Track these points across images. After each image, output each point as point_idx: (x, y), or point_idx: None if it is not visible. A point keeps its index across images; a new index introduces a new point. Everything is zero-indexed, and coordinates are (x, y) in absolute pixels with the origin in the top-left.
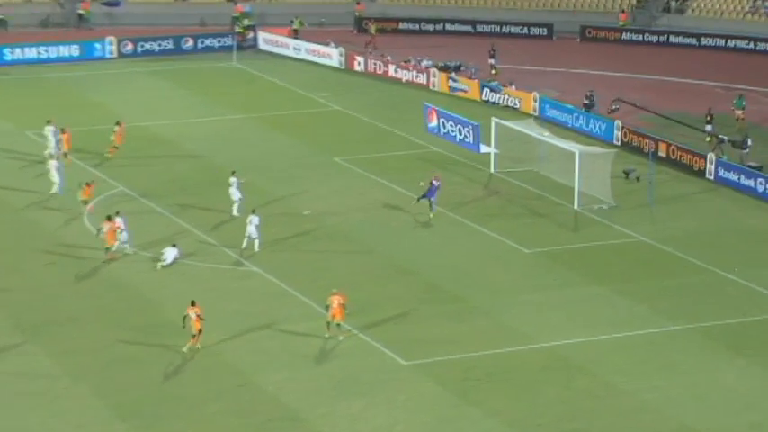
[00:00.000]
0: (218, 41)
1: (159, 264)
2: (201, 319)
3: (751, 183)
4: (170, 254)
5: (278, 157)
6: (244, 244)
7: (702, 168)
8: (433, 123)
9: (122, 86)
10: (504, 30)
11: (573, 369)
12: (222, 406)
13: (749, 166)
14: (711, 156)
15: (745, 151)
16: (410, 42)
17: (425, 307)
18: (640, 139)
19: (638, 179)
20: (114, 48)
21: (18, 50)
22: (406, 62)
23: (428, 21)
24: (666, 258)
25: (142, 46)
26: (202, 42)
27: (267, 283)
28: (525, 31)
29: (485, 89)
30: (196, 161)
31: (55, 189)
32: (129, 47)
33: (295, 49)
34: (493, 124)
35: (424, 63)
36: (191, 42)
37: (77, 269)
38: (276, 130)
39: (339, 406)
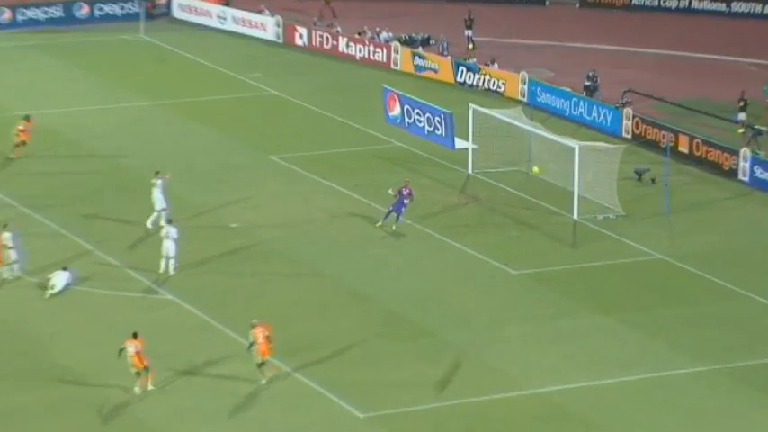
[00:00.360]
0: (122, 8)
1: (48, 292)
2: (141, 356)
3: None
4: (60, 279)
5: (198, 155)
6: (162, 266)
7: (734, 167)
8: (395, 112)
9: None
10: None
11: (572, 420)
12: None
13: None
14: (745, 151)
15: None
16: (366, 10)
17: (386, 343)
18: (656, 130)
19: (652, 181)
20: None
21: None
22: (360, 35)
23: None
24: (687, 281)
25: (23, 14)
26: (101, 9)
27: (185, 315)
28: None
29: (460, 68)
30: (96, 161)
31: None
32: (7, 15)
33: (219, 17)
34: (470, 113)
35: (383, 36)
36: (86, 9)
37: None
38: (195, 120)
39: None
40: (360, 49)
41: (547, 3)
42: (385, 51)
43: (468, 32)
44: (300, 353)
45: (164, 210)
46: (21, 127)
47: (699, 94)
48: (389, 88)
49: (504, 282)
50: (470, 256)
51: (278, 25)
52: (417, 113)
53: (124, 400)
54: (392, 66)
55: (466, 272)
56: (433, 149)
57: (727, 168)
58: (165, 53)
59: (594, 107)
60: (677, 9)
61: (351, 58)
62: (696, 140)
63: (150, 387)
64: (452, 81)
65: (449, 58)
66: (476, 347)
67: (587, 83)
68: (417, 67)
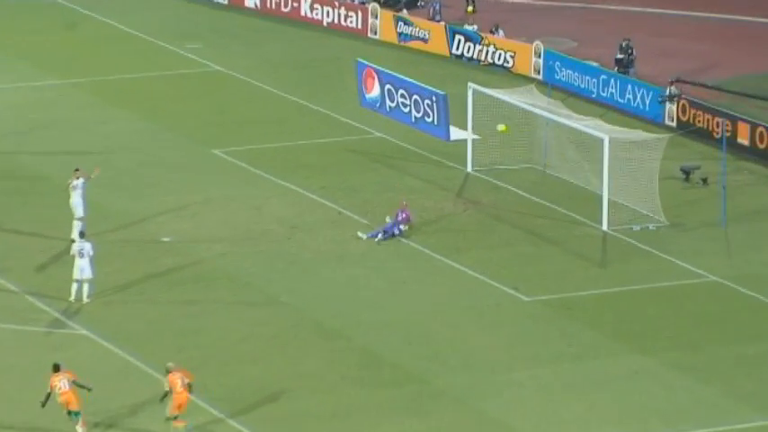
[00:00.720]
0: None
1: None
2: (79, 387)
3: None
4: None
5: (119, 150)
6: (73, 292)
7: None
8: (373, 93)
9: None
10: None
11: None
12: None
13: None
14: None
15: None
16: None
17: (361, 391)
18: (708, 116)
19: (704, 182)
20: None
21: None
22: None
23: None
24: (749, 310)
25: None
26: None
27: (102, 355)
28: None
29: (456, 37)
30: None
31: None
32: None
33: None
34: (470, 94)
35: None
36: None
37: None
38: (116, 104)
39: None
40: (327, 13)
41: None
42: (360, 15)
43: None
44: (250, 404)
45: (82, 219)
46: None
47: (767, 67)
48: (366, 63)
49: (513, 311)
50: (470, 279)
51: None
52: (402, 95)
53: None
54: (369, 34)
55: (464, 299)
56: (423, 141)
57: None
58: (77, 17)
59: (629, 86)
60: None
61: (316, 24)
62: (760, 129)
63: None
64: (447, 53)
65: (442, 23)
66: (477, 396)
67: (620, 55)
68: (401, 36)
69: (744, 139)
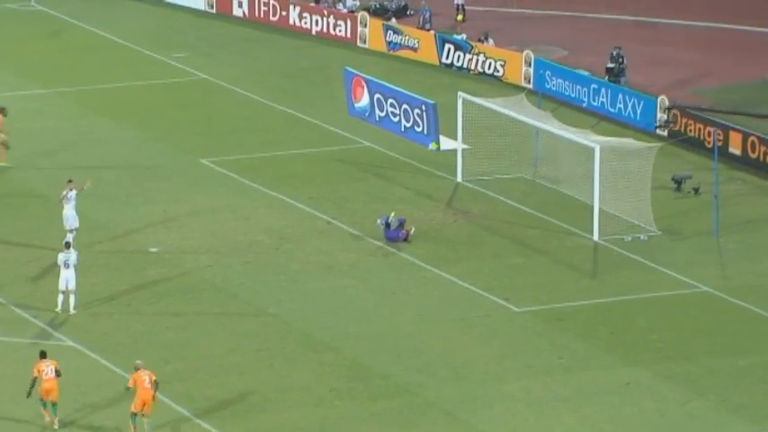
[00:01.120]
0: None
1: None
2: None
3: None
4: None
5: (106, 159)
6: (59, 302)
7: None
8: (362, 102)
9: None
10: None
11: None
12: None
13: None
14: None
15: None
16: None
17: (350, 404)
18: (700, 125)
19: (695, 191)
20: None
21: None
22: (317, 2)
23: None
24: (743, 321)
25: None
26: None
27: (89, 366)
28: None
29: (445, 46)
30: None
31: None
32: None
33: None
34: (460, 103)
35: (350, 5)
36: None
37: None
38: (102, 113)
39: None
40: (316, 22)
41: None
42: (349, 24)
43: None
44: (237, 416)
45: (76, 230)
46: None
47: (757, 76)
48: (355, 72)
49: (503, 322)
50: (460, 290)
51: None
52: (391, 104)
53: None
54: (358, 42)
55: (454, 310)
56: (412, 151)
57: None
58: (62, 26)
59: (620, 95)
60: None
61: (305, 33)
62: (752, 138)
63: (48, 419)
64: (436, 62)
65: (431, 32)
66: (467, 408)
67: (611, 64)
68: (391, 44)
69: (736, 149)
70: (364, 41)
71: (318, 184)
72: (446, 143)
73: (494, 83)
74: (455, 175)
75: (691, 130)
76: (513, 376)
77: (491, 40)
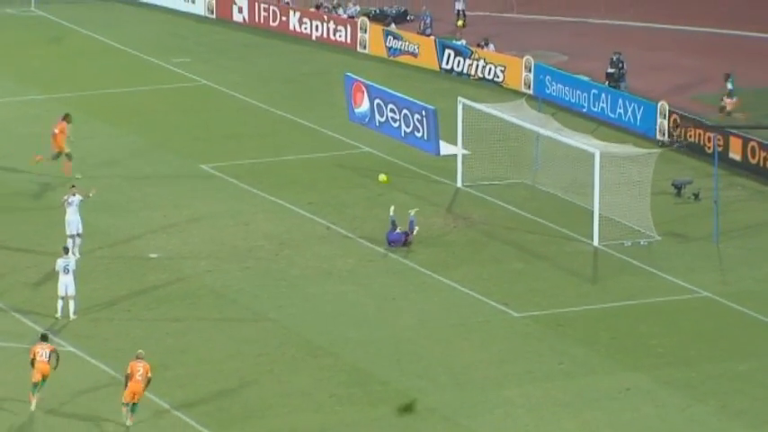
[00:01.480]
0: None
1: None
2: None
3: None
4: None
5: (106, 165)
6: (59, 308)
7: None
8: (362, 108)
9: None
10: None
11: None
12: None
13: None
14: None
15: None
16: None
17: (351, 409)
18: (700, 131)
19: (695, 197)
20: None
21: None
22: (317, 8)
23: None
24: (743, 326)
25: None
26: None
27: (89, 371)
28: None
29: (445, 51)
30: None
31: None
32: None
33: None
34: (460, 108)
35: (350, 10)
36: None
37: None
38: (102, 118)
39: None
40: (316, 27)
41: None
42: (349, 29)
43: (459, 5)
44: (237, 422)
45: (79, 235)
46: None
47: (757, 82)
48: (354, 77)
49: (503, 328)
50: (460, 295)
51: None
52: (391, 109)
53: None
54: (358, 48)
55: (454, 315)
56: (412, 156)
57: None
58: (62, 31)
59: (620, 100)
60: None
61: (305, 38)
62: (752, 144)
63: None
64: (437, 67)
65: (432, 37)
66: (467, 414)
67: (611, 69)
68: (391, 50)
69: (736, 154)
70: (364, 47)
71: (318, 189)
72: (446, 148)
73: (494, 88)
74: (455, 180)
75: (691, 136)
76: (513, 382)
77: (491, 46)
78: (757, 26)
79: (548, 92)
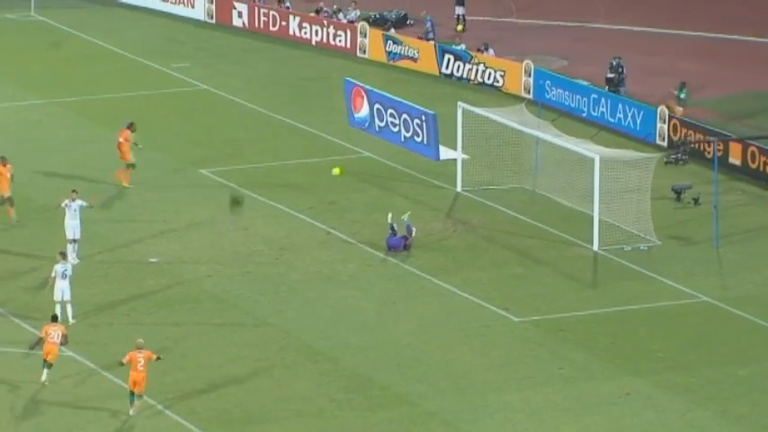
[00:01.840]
0: None
1: None
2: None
3: None
4: None
5: (104, 170)
6: (57, 312)
7: None
8: (362, 113)
9: None
10: None
11: None
12: None
13: None
14: None
15: None
16: None
17: (351, 414)
18: (700, 135)
19: (695, 201)
20: None
21: None
22: (317, 12)
23: None
24: (743, 331)
25: None
26: None
27: (88, 376)
28: None
29: (445, 56)
30: None
31: None
32: None
33: None
34: (459, 113)
35: (350, 15)
36: None
37: None
38: (101, 123)
39: None
40: (316, 32)
41: None
42: (348, 34)
43: (459, 10)
44: (237, 427)
45: (75, 240)
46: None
47: (758, 87)
48: (354, 82)
49: (503, 332)
50: (460, 300)
51: (210, 0)
52: (391, 114)
53: None
54: (358, 52)
55: (454, 320)
56: (412, 161)
57: None
58: (61, 36)
59: (620, 105)
60: None
61: (304, 43)
62: (752, 149)
63: (44, 378)
64: (436, 72)
65: (432, 42)
66: (467, 419)
67: (611, 74)
68: (390, 54)
69: (736, 159)
70: (364, 51)
71: (318, 194)
72: (445, 153)
73: (493, 93)
74: (455, 185)
75: (692, 140)
76: (514, 386)
77: (491, 50)
78: (756, 30)
79: (547, 96)
